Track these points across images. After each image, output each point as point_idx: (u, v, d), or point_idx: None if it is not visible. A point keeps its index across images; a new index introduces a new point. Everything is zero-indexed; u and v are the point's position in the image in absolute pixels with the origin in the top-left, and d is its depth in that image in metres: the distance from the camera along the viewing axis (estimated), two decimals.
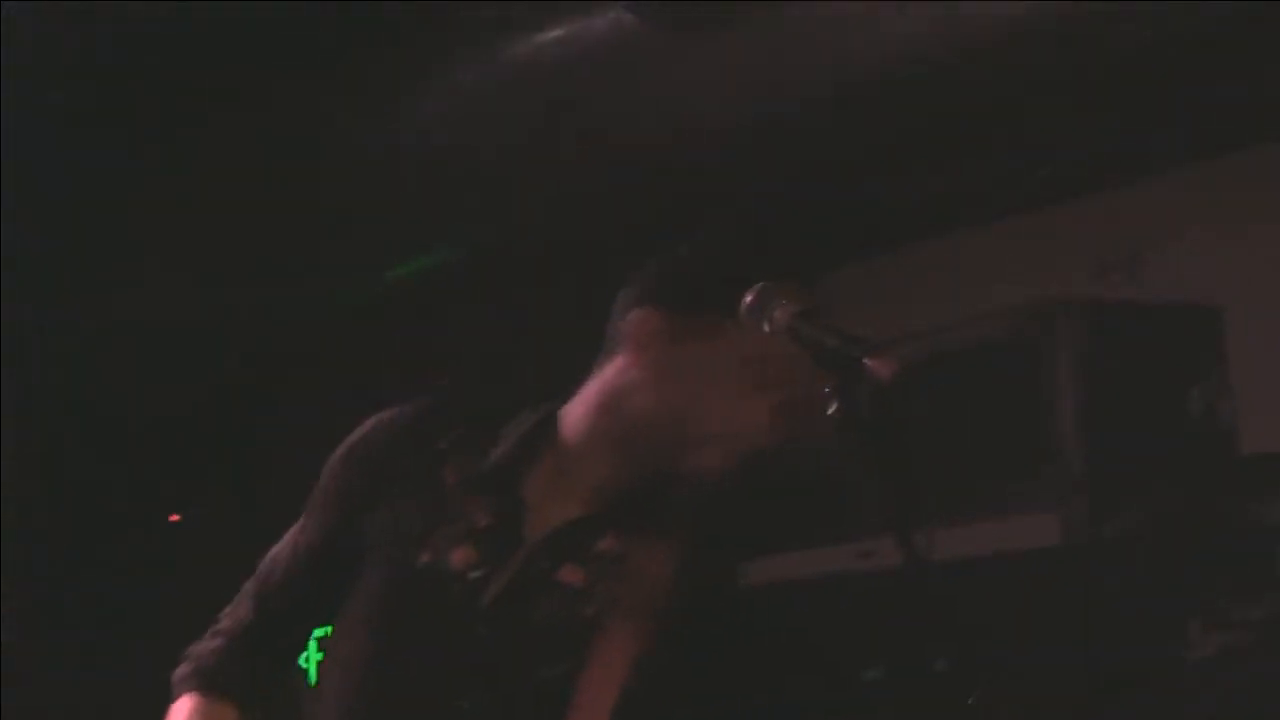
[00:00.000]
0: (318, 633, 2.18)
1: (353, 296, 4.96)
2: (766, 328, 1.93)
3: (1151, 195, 3.85)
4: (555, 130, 3.91)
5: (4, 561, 5.21)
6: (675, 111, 3.74)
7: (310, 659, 3.12)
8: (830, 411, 1.85)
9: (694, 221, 4.09)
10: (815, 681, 4.15)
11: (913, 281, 4.13)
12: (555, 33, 3.77)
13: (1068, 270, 3.98)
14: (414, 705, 1.96)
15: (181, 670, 2.13)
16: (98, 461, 5.65)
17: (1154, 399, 3.81)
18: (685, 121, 3.72)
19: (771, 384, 1.98)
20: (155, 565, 5.53)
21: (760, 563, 4.20)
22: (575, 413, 2.05)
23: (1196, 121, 3.54)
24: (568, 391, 2.09)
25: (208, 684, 2.10)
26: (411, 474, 2.04)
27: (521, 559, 1.97)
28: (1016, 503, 3.83)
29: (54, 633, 5.48)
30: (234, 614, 2.16)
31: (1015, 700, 3.70)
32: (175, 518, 5.44)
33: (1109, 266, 3.91)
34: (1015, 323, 3.99)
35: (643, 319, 2.03)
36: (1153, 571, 3.65)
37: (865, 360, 1.84)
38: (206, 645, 2.14)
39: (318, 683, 2.09)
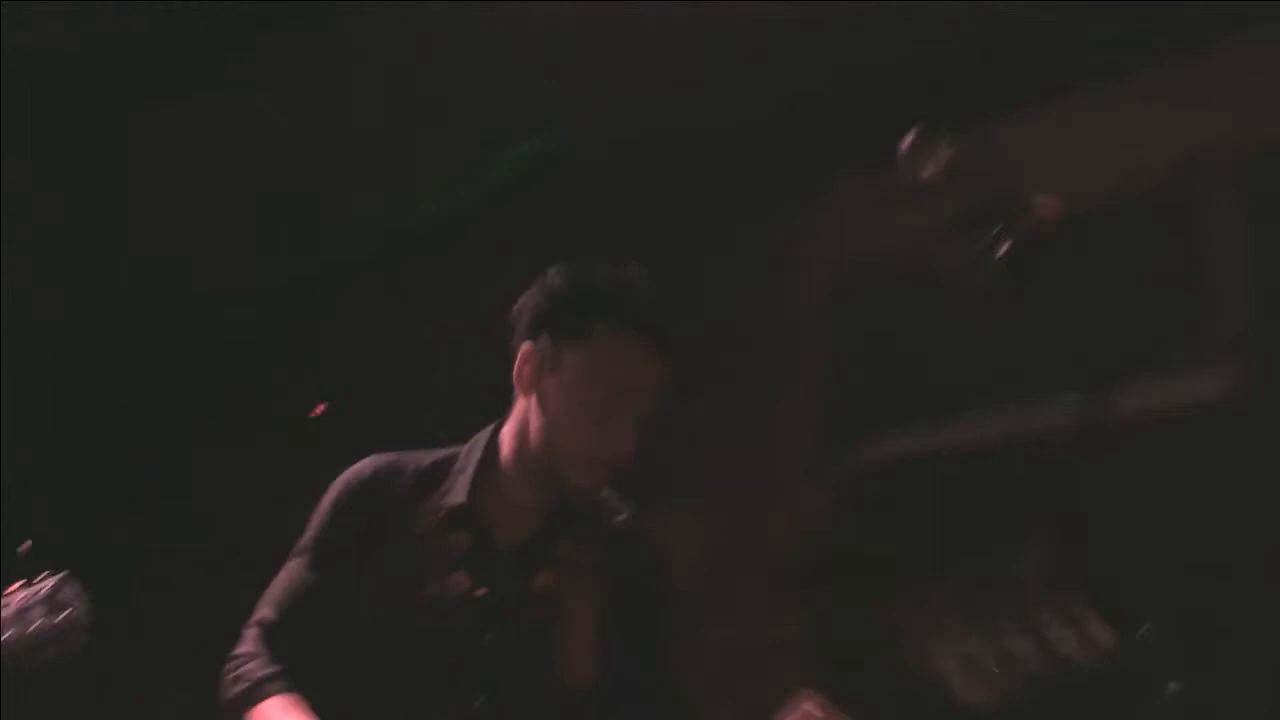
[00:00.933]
0: None
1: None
2: (929, 170, 1.97)
3: None
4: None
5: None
6: None
7: None
8: (998, 255, 1.91)
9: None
10: (972, 549, 4.13)
11: (1062, 133, 4.01)
12: None
13: (1224, 115, 3.83)
14: (446, 705, 2.30)
15: (241, 687, 2.41)
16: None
17: None
18: None
19: (632, 400, 2.31)
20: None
21: (911, 431, 4.17)
22: (506, 443, 2.42)
23: None
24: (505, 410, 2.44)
25: (284, 686, 2.40)
26: (386, 524, 2.39)
27: (502, 574, 2.35)
28: (1177, 359, 3.75)
29: None
30: (249, 646, 2.46)
31: (1178, 563, 3.65)
32: (320, 409, 5.42)
33: (1267, 111, 3.75)
34: (1168, 173, 3.88)
35: (524, 354, 2.37)
36: None
37: (1033, 199, 1.89)
38: (248, 667, 2.44)
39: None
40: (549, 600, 2.33)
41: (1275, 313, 3.72)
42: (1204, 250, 3.87)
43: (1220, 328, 3.77)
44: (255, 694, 2.38)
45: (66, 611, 2.25)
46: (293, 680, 2.39)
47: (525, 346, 2.37)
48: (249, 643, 2.46)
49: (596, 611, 2.32)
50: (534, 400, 2.36)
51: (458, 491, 2.38)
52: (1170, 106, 3.89)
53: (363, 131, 4.58)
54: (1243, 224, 3.84)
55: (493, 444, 2.43)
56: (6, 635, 2.23)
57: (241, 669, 2.43)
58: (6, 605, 2.25)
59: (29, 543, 2.28)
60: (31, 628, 2.24)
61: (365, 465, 2.46)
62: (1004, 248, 1.90)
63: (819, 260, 4.56)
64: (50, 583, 2.28)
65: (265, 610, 2.47)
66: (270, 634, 2.45)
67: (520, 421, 2.39)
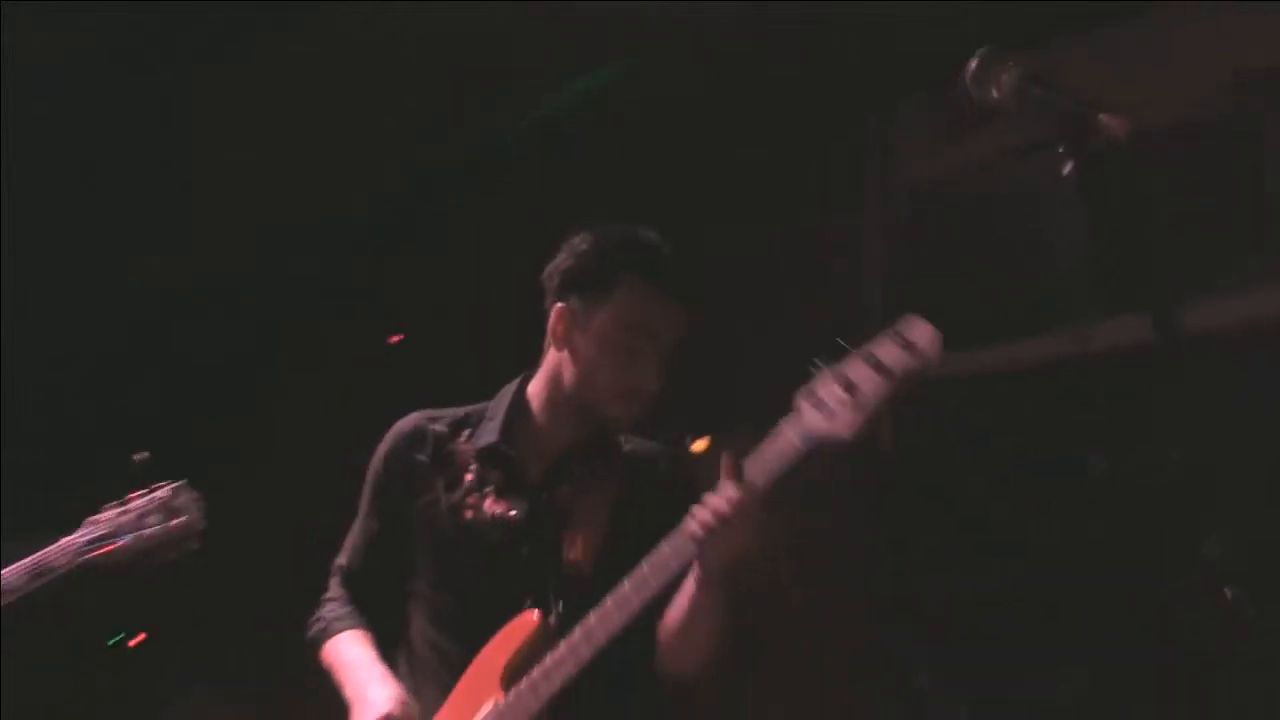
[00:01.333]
0: None
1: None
2: (995, 93, 2.02)
3: None
4: None
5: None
6: None
7: None
8: (1065, 172, 1.93)
9: None
10: (1035, 471, 4.15)
11: (1127, 53, 4.01)
12: None
13: None
14: (492, 613, 2.59)
15: (318, 626, 2.79)
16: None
17: None
18: None
19: (655, 340, 2.62)
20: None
21: (978, 351, 4.18)
22: (537, 391, 2.75)
23: None
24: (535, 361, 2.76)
25: (351, 624, 2.76)
26: (431, 463, 2.74)
27: (531, 498, 2.68)
28: (1241, 278, 3.76)
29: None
30: (332, 592, 2.84)
31: (1246, 478, 3.67)
32: (397, 338, 5.50)
33: None
34: (1233, 90, 3.87)
35: (556, 312, 2.68)
36: None
37: (1100, 117, 1.89)
38: (327, 610, 2.81)
39: (413, 637, 2.73)
40: (566, 512, 2.67)
41: None
42: (1269, 167, 3.86)
43: None
44: (327, 631, 2.76)
45: (181, 517, 2.41)
46: (362, 620, 2.77)
47: (558, 306, 2.68)
48: (331, 588, 2.85)
49: (603, 514, 2.65)
50: (566, 353, 2.68)
51: (489, 434, 2.73)
52: (1234, 24, 3.87)
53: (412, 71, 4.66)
54: None
55: (520, 394, 2.77)
56: (125, 539, 2.38)
57: (321, 611, 2.80)
58: (126, 511, 2.41)
59: (145, 453, 2.42)
60: (148, 532, 2.40)
61: (406, 420, 2.82)
62: (1070, 168, 1.92)
63: (885, 184, 4.58)
64: (166, 490, 2.43)
65: (342, 557, 2.86)
66: (346, 578, 2.83)
67: (553, 371, 2.71)
